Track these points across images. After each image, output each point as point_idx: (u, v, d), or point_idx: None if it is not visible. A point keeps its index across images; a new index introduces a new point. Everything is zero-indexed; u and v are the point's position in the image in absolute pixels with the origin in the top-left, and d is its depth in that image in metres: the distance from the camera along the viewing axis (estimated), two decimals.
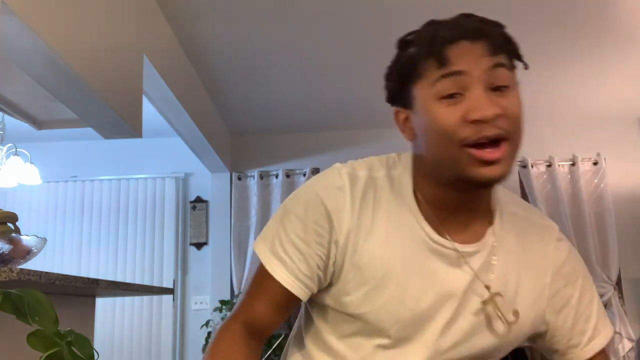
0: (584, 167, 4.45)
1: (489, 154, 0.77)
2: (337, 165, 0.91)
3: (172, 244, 4.55)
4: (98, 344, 4.13)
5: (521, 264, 0.92)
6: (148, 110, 2.80)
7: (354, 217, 0.86)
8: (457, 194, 0.86)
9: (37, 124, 2.92)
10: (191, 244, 4.60)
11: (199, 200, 4.67)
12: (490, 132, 0.77)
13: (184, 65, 3.37)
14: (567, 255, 0.96)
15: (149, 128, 2.78)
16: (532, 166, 4.43)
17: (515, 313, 0.87)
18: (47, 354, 0.53)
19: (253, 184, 4.58)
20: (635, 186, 4.46)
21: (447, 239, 0.87)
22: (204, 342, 4.20)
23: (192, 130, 3.57)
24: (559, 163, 4.45)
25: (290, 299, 0.89)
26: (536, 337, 0.95)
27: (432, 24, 0.87)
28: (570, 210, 4.35)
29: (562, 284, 0.93)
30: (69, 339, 0.56)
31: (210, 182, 4.68)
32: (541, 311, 0.92)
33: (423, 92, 0.81)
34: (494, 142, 0.77)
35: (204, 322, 4.25)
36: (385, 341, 0.88)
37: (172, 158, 4.69)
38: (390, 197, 0.88)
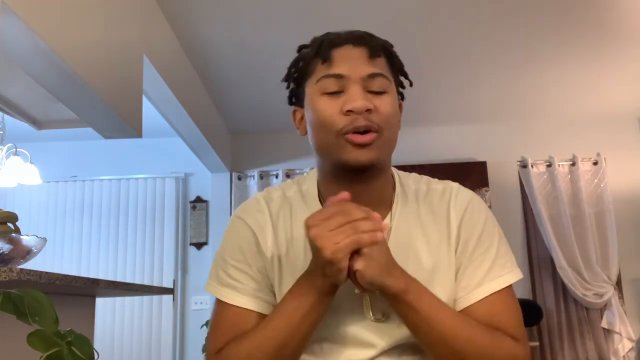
0: (584, 167, 4.45)
1: (358, 138, 0.87)
2: (257, 194, 1.03)
3: (172, 244, 4.55)
4: (98, 344, 4.12)
5: (421, 236, 0.94)
6: (148, 110, 2.80)
7: (275, 234, 0.96)
8: (350, 186, 0.90)
9: (37, 124, 2.92)
10: (191, 244, 4.60)
11: (199, 200, 4.67)
12: (361, 122, 0.87)
13: (184, 65, 3.37)
14: (469, 200, 0.97)
15: (149, 128, 2.78)
16: (532, 166, 4.42)
17: (385, 315, 0.90)
18: (47, 354, 0.53)
19: (253, 184, 4.58)
20: (635, 186, 4.46)
21: None
22: (204, 342, 4.20)
23: (192, 130, 3.57)
24: (559, 163, 4.45)
25: (256, 319, 0.91)
26: None
27: (328, 33, 0.97)
28: (570, 210, 4.35)
29: (464, 232, 0.94)
30: (69, 339, 0.56)
31: (210, 182, 4.68)
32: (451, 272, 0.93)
33: (311, 89, 0.93)
34: (365, 132, 0.88)
35: (204, 322, 4.25)
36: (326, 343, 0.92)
37: (172, 158, 4.69)
38: (303, 208, 0.97)
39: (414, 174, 1.05)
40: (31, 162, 3.48)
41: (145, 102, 2.74)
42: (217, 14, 2.92)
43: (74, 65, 1.87)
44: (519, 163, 4.46)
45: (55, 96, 2.12)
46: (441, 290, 0.90)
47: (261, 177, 4.59)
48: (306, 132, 0.98)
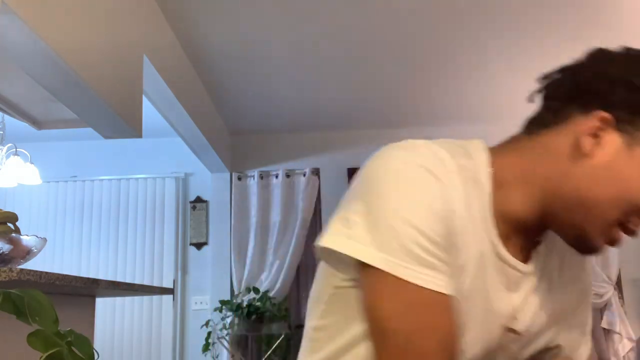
0: None
1: (621, 236, 0.75)
2: (426, 142, 0.76)
3: (172, 244, 4.55)
4: (98, 344, 4.13)
5: (559, 293, 0.85)
6: (148, 110, 2.80)
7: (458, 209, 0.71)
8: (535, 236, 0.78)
9: (37, 124, 2.92)
10: (191, 244, 4.60)
11: (199, 200, 4.67)
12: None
13: (184, 65, 3.37)
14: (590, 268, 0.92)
15: (149, 128, 2.78)
16: None
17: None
18: (47, 354, 0.53)
19: (253, 184, 4.58)
20: None
21: (511, 254, 0.77)
22: (204, 342, 4.20)
23: (192, 130, 3.57)
24: None
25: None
26: None
27: None
28: None
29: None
30: (69, 339, 0.56)
31: (210, 182, 4.68)
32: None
33: None
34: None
35: (204, 322, 4.25)
36: None
37: (172, 158, 4.69)
38: (463, 184, 0.72)
39: None
40: (31, 162, 3.48)
41: (145, 102, 2.74)
42: (217, 13, 2.92)
43: (74, 65, 1.87)
44: None
45: (55, 96, 2.12)
46: None
47: (261, 177, 4.59)
48: (585, 156, 0.71)
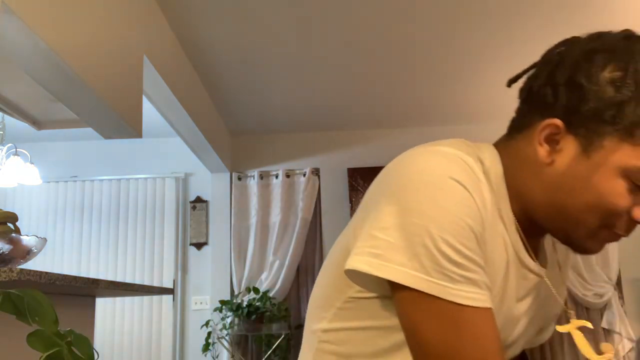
0: None
1: (614, 237, 0.72)
2: (454, 151, 0.71)
3: (172, 244, 4.55)
4: (98, 344, 4.13)
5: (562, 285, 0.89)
6: (148, 110, 2.80)
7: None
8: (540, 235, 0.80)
9: (37, 124, 2.92)
10: (191, 244, 4.60)
11: (199, 200, 4.67)
12: (629, 232, 0.71)
13: (184, 65, 3.37)
14: None
15: (149, 128, 2.79)
16: None
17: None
18: (47, 354, 0.53)
19: (253, 184, 4.58)
20: None
21: (534, 260, 0.77)
22: (204, 342, 4.20)
23: (192, 130, 3.57)
24: None
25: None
26: None
27: None
28: None
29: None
30: (69, 339, 0.56)
31: (210, 182, 4.68)
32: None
33: (619, 155, 0.66)
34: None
35: (204, 322, 4.25)
36: None
37: (172, 158, 4.69)
38: (489, 193, 0.71)
39: None
40: (31, 162, 3.48)
41: (145, 102, 2.74)
42: (217, 14, 2.92)
43: (74, 65, 1.87)
44: None
45: (55, 96, 2.12)
46: None
47: (261, 177, 4.59)
48: (552, 164, 0.70)
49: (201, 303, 4.48)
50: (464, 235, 0.65)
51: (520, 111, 0.77)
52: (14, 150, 3.39)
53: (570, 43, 0.72)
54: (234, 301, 4.24)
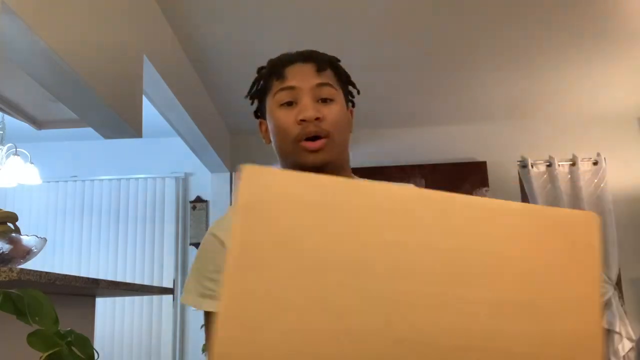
0: (584, 167, 4.45)
1: (310, 144, 0.98)
2: None
3: (172, 244, 4.55)
4: (98, 344, 4.13)
5: None
6: (148, 110, 2.80)
7: None
8: None
9: (37, 124, 2.92)
10: (191, 244, 4.60)
11: (199, 200, 4.67)
12: (311, 129, 0.98)
13: (184, 65, 3.37)
14: None
15: (149, 128, 2.78)
16: (532, 166, 4.42)
17: None
18: (47, 354, 0.53)
19: None
20: (635, 186, 4.46)
21: None
22: (204, 342, 4.20)
23: (192, 130, 3.57)
24: (559, 163, 4.45)
25: None
26: None
27: (282, 54, 1.11)
28: None
29: None
30: (69, 339, 0.56)
31: (210, 182, 4.68)
32: None
33: (270, 102, 1.05)
34: (316, 137, 0.99)
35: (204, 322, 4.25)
36: None
37: (172, 158, 4.69)
38: None
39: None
40: (31, 162, 3.48)
41: (145, 102, 2.74)
42: (217, 13, 2.92)
43: (74, 65, 1.87)
44: (519, 163, 4.46)
45: (55, 96, 2.12)
46: None
47: None
48: (270, 141, 1.09)
49: None
50: (213, 264, 1.08)
51: None
52: (14, 150, 3.39)
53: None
54: None
